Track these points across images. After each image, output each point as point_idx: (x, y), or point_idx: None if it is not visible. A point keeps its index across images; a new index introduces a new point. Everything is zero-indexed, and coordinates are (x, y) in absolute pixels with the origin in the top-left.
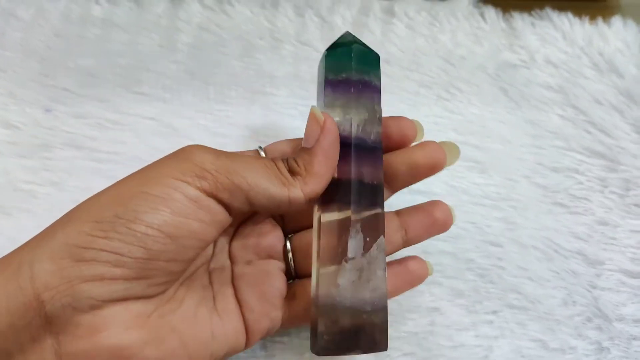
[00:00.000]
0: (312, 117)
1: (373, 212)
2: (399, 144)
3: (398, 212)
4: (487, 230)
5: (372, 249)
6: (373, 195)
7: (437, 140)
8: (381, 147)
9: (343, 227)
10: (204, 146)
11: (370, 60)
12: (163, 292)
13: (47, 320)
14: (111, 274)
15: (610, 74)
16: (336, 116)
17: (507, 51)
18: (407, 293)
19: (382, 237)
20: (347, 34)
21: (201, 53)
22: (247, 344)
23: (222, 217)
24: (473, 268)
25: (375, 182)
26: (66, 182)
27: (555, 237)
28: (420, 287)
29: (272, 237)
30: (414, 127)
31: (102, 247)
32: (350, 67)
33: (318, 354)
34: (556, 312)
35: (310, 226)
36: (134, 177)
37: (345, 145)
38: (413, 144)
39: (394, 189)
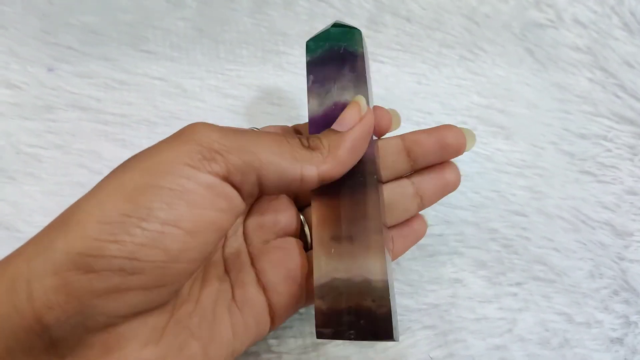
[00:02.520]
0: (355, 104)
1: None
2: (455, 154)
3: (412, 179)
4: (512, 199)
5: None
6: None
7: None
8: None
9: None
10: (208, 123)
11: (349, 35)
12: (177, 295)
13: (52, 344)
14: (127, 284)
15: None
16: (322, 91)
17: (533, 9)
18: (427, 263)
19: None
20: (335, 23)
21: (210, 9)
22: (272, 326)
23: (237, 201)
24: (497, 238)
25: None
26: (71, 145)
27: (583, 206)
28: (442, 257)
29: (288, 214)
30: (389, 117)
31: (113, 253)
32: (326, 44)
33: (318, 337)
34: (582, 285)
35: None
36: (135, 166)
37: (332, 115)
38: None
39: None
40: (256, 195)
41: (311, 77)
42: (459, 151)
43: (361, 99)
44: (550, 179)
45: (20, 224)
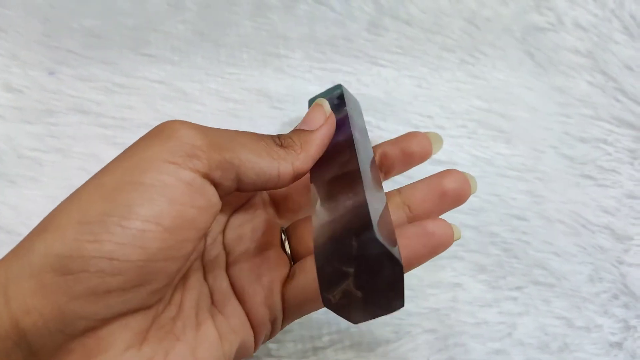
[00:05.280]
0: (318, 106)
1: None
2: (420, 160)
3: (400, 189)
4: (512, 203)
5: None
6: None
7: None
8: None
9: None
10: (187, 122)
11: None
12: (160, 299)
13: (30, 351)
14: (106, 286)
15: None
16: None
17: (534, 13)
18: (427, 267)
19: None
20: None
21: (211, 12)
22: (256, 342)
23: (215, 199)
24: (497, 242)
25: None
26: (72, 149)
27: (583, 210)
28: (442, 261)
29: (268, 224)
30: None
31: (92, 253)
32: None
33: (329, 308)
34: (582, 289)
35: (304, 216)
36: (116, 165)
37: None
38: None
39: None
40: (232, 191)
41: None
42: (424, 157)
43: (324, 102)
44: (551, 183)
45: (21, 227)
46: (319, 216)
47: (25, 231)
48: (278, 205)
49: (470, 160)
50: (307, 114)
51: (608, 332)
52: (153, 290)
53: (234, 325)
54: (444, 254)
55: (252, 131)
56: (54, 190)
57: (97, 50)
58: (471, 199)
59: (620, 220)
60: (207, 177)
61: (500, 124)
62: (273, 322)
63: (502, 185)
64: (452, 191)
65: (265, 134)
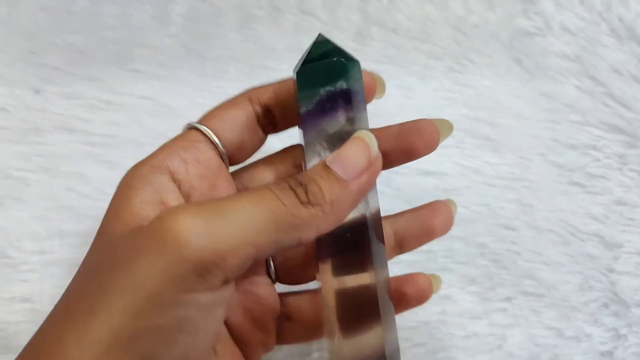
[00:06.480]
0: (362, 143)
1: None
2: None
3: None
4: (500, 213)
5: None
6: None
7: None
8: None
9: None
10: (183, 215)
11: (344, 71)
12: None
13: None
14: None
15: (631, 42)
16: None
17: (521, 17)
18: None
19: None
20: (321, 37)
21: (196, 25)
22: None
23: (229, 292)
24: (486, 253)
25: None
26: (59, 168)
27: (571, 219)
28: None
29: None
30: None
31: None
32: (323, 90)
33: None
34: (572, 299)
35: None
36: (120, 302)
37: None
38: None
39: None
40: None
41: (303, 132)
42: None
43: (370, 138)
44: (539, 192)
45: (10, 249)
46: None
47: (14, 253)
48: None
49: (458, 170)
50: (346, 147)
51: (598, 342)
52: None
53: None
54: (432, 266)
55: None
56: (42, 212)
57: (82, 67)
58: (460, 209)
59: (610, 227)
60: (224, 284)
61: (487, 133)
62: (265, 347)
63: (490, 195)
64: (440, 231)
65: (285, 181)
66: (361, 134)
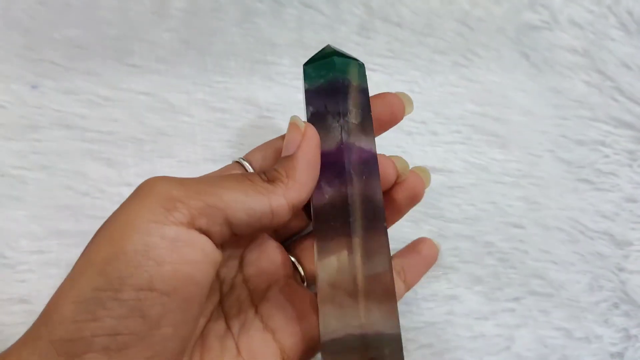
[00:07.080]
0: (292, 125)
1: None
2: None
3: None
4: (508, 211)
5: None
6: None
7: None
8: (375, 150)
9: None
10: (165, 176)
11: (352, 68)
12: None
13: None
14: None
15: None
16: (323, 126)
17: (527, 11)
18: (422, 280)
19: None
20: (328, 47)
21: (196, 19)
22: None
23: (209, 249)
24: (493, 252)
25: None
26: (57, 166)
27: (581, 217)
28: (437, 273)
29: (280, 256)
30: (401, 102)
31: (93, 332)
32: (330, 74)
33: None
34: (581, 299)
35: (300, 227)
36: (101, 235)
37: (337, 156)
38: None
39: None
40: (228, 238)
41: (310, 108)
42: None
43: (295, 118)
44: (547, 189)
45: (7, 249)
46: (340, 316)
47: (10, 253)
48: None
49: (465, 167)
50: (285, 136)
51: (608, 343)
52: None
53: None
54: (439, 264)
55: (239, 172)
56: (39, 210)
57: (80, 62)
58: (466, 207)
59: (620, 225)
60: (192, 227)
61: (495, 129)
62: (310, 351)
63: (498, 193)
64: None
65: (251, 172)
66: (291, 119)
